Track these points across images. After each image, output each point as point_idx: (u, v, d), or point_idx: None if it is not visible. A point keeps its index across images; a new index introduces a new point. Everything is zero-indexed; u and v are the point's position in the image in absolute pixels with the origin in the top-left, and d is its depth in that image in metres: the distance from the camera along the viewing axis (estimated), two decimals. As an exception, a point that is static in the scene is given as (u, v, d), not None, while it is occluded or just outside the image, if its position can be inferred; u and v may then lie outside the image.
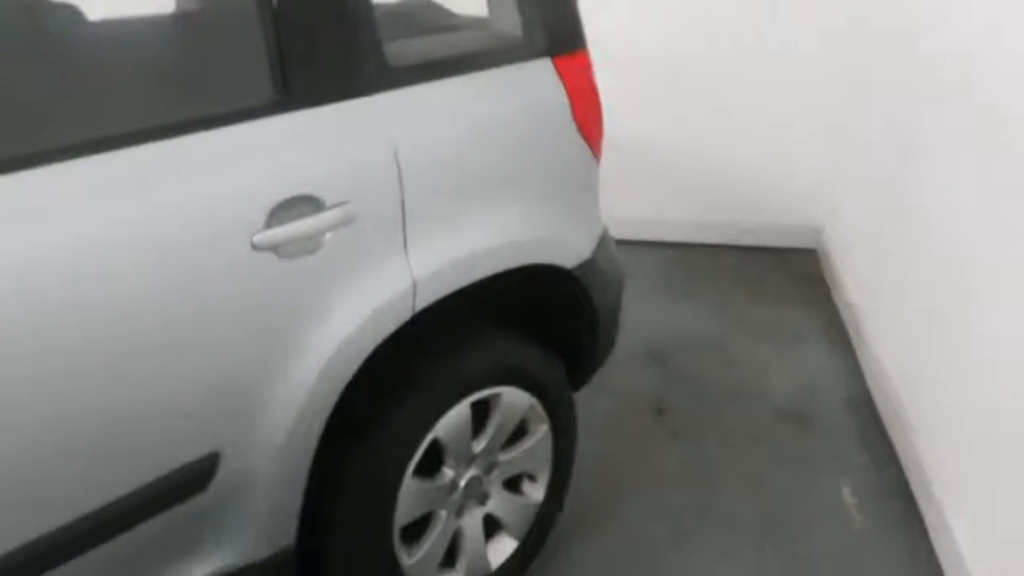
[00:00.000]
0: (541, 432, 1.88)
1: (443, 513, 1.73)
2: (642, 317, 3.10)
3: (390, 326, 1.46)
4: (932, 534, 2.13)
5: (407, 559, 1.67)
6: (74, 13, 1.41)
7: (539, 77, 1.74)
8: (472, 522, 1.80)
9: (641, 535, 2.14)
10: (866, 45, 3.21)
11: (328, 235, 1.35)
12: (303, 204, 1.31)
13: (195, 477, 1.29)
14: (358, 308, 1.41)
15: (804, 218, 3.89)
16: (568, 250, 1.80)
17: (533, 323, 1.86)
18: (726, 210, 3.91)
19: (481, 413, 1.72)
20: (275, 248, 1.29)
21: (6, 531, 1.11)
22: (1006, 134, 1.87)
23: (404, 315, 1.48)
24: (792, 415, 2.68)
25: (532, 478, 1.93)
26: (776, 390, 2.81)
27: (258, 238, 1.26)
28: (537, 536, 1.96)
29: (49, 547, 1.14)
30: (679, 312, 3.29)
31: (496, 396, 1.73)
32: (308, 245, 1.32)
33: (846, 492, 2.34)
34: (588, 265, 1.86)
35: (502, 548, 1.90)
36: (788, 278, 3.65)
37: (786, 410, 2.71)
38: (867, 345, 2.88)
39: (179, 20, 1.65)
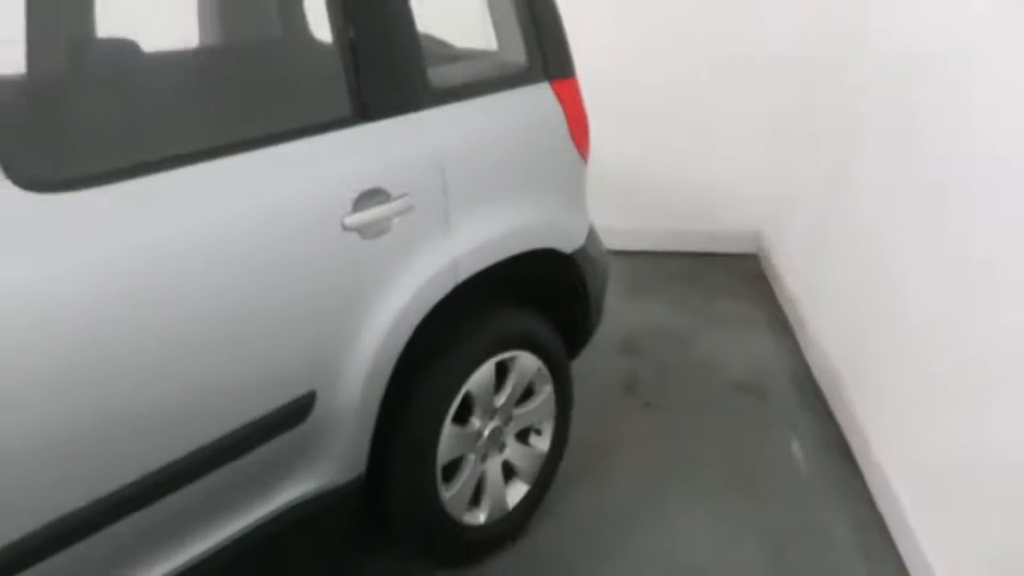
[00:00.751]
0: (546, 392, 2.26)
1: (472, 457, 2.09)
2: (614, 313, 3.49)
3: (439, 294, 1.83)
4: (865, 471, 2.56)
5: (446, 493, 2.02)
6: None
7: (541, 98, 2.14)
8: (493, 467, 2.17)
9: (623, 487, 2.53)
10: (809, 72, 3.68)
11: (395, 220, 1.72)
12: (377, 195, 1.68)
13: (298, 410, 1.64)
14: (417, 279, 1.78)
15: (746, 226, 4.36)
16: (567, 237, 2.20)
17: (539, 301, 2.24)
18: (679, 220, 4.35)
19: (500, 375, 2.09)
20: (359, 230, 1.65)
21: (185, 442, 1.44)
22: (923, 147, 2.34)
23: (448, 286, 1.85)
24: (746, 387, 3.11)
25: (538, 432, 2.31)
26: (731, 369, 3.24)
27: (348, 220, 1.63)
28: (543, 482, 2.33)
29: (208, 455, 1.47)
30: (644, 309, 3.70)
31: (513, 358, 2.11)
32: (381, 228, 1.69)
33: (795, 446, 2.76)
34: (582, 251, 2.26)
35: (516, 491, 2.26)
36: (736, 278, 4.11)
37: (740, 384, 3.13)
38: (806, 329, 3.34)
39: (284, 49, 2.01)
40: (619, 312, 3.57)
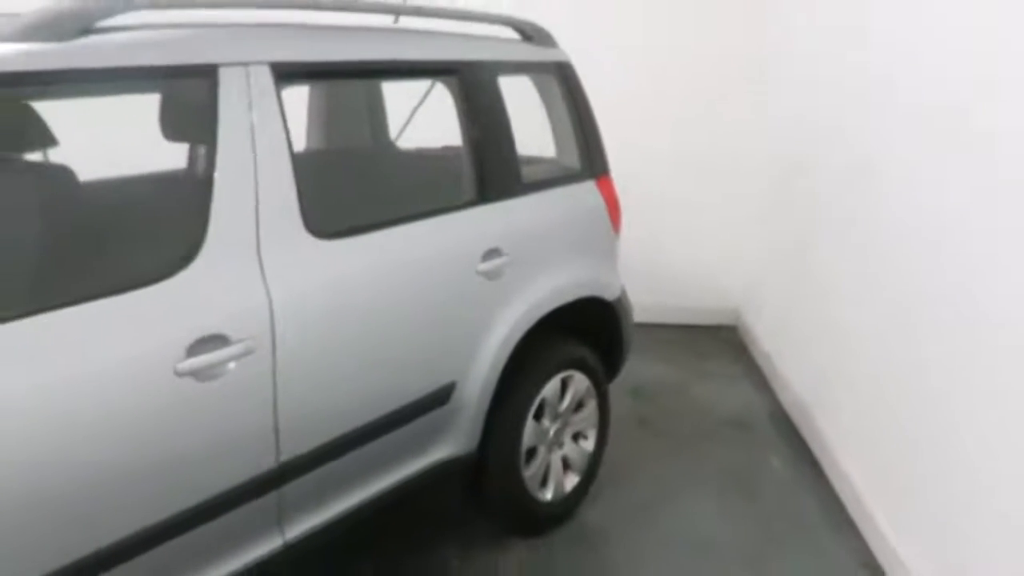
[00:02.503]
0: (592, 405, 3.04)
1: (543, 448, 2.85)
2: (622, 371, 4.30)
3: (529, 324, 2.63)
4: (830, 476, 3.34)
5: (526, 472, 2.77)
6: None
7: (588, 190, 3.01)
8: (556, 458, 2.92)
9: (645, 485, 3.27)
10: (779, 171, 4.63)
11: (507, 270, 2.54)
12: (496, 253, 2.51)
13: (443, 394, 2.41)
14: (516, 312, 2.58)
15: (725, 302, 5.23)
16: (608, 290, 3.03)
17: (588, 336, 3.04)
18: (668, 297, 5.20)
19: (562, 389, 2.87)
20: (486, 274, 2.47)
21: (383, 406, 2.20)
22: (869, 233, 3.22)
23: (534, 319, 2.65)
24: (732, 422, 3.90)
25: (585, 437, 3.07)
26: (720, 410, 4.03)
27: (479, 267, 2.45)
28: (589, 475, 3.08)
29: (393, 419, 2.23)
30: (646, 367, 4.49)
31: (571, 376, 2.90)
32: (499, 274, 2.51)
33: (774, 461, 3.54)
34: (618, 301, 3.08)
35: (571, 479, 3.01)
36: (718, 344, 4.95)
37: (728, 420, 3.92)
38: (779, 378, 4.16)
39: (434, 156, 2.86)
40: (626, 368, 4.35)
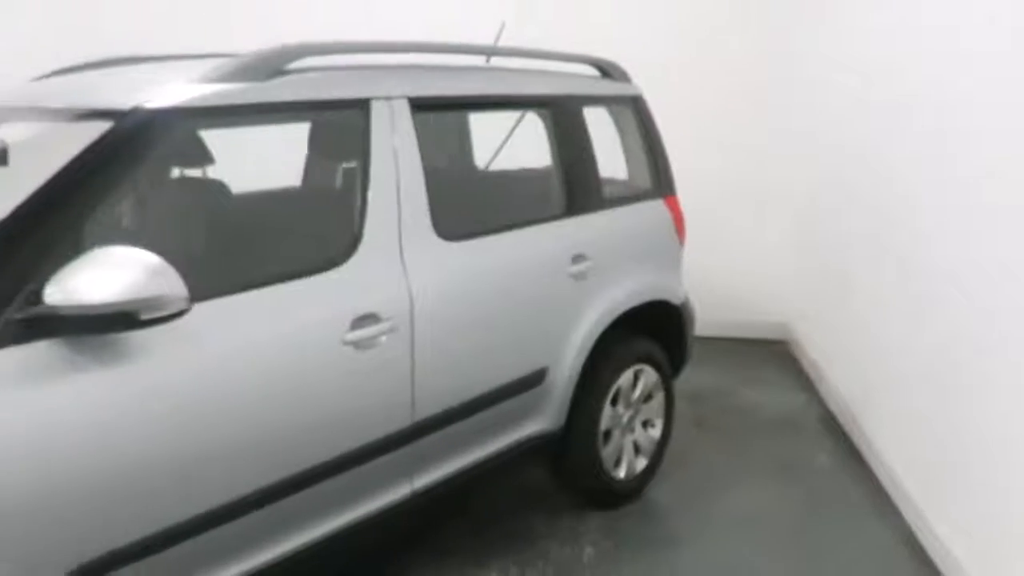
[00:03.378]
0: (659, 398, 3.44)
1: (617, 432, 3.25)
2: (680, 378, 4.68)
3: (609, 320, 3.05)
4: (873, 466, 3.68)
5: (603, 451, 3.17)
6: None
7: (658, 207, 3.43)
8: (628, 441, 3.32)
9: (704, 472, 3.64)
10: (822, 199, 5.01)
11: (590, 273, 2.96)
12: (582, 258, 2.93)
13: (538, 376, 2.83)
14: (599, 310, 3.00)
15: (775, 317, 5.59)
16: (674, 294, 3.43)
17: (657, 336, 3.44)
18: (720, 312, 5.57)
19: (634, 380, 3.28)
20: (574, 276, 2.90)
21: (490, 382, 2.63)
22: (910, 253, 3.59)
23: (614, 316, 3.07)
24: (782, 422, 4.25)
25: (653, 425, 3.46)
26: (770, 412, 4.39)
27: (570, 270, 2.88)
28: (656, 459, 3.47)
29: (497, 395, 2.66)
30: (700, 375, 4.83)
31: (642, 370, 3.30)
32: (584, 276, 2.94)
33: (822, 457, 3.88)
34: (683, 305, 3.49)
35: (640, 462, 3.40)
36: (767, 355, 5.30)
37: (778, 420, 4.28)
38: (827, 384, 4.51)
39: (523, 176, 3.30)
40: (682, 376, 4.74)
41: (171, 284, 1.70)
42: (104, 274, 1.65)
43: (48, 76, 2.78)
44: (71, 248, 1.72)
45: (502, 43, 3.18)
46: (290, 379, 2.08)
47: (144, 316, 1.67)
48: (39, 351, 1.68)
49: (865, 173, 4.05)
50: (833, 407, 4.36)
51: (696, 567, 2.95)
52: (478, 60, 3.18)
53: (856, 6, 4.27)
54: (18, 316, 1.65)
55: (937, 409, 3.07)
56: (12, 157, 2.09)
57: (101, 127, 1.92)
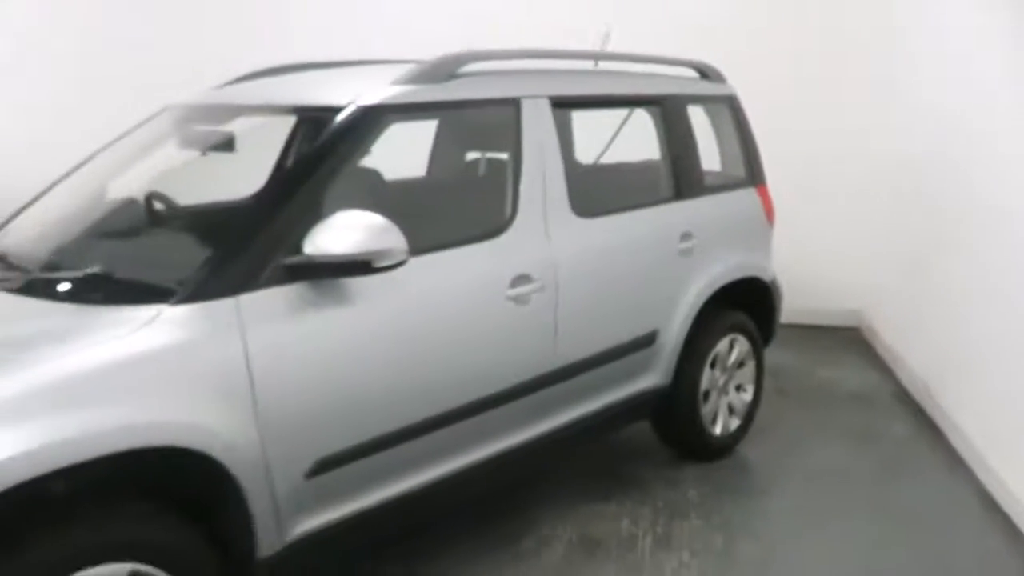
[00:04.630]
0: (750, 365, 3.84)
1: (714, 393, 3.67)
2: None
3: (709, 293, 3.47)
4: (949, 435, 4.02)
5: (703, 409, 3.60)
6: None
7: (751, 195, 3.84)
8: (723, 402, 3.73)
9: (785, 435, 4.02)
10: (908, 179, 5.31)
11: (695, 250, 3.39)
12: (688, 236, 3.37)
13: (650, 338, 3.27)
14: (701, 283, 3.43)
15: (848, 304, 5.91)
16: (765, 272, 3.84)
17: (749, 309, 3.84)
18: (795, 299, 5.90)
19: (729, 348, 3.69)
20: (682, 252, 3.33)
21: (610, 340, 3.08)
22: (987, 238, 3.93)
23: (714, 289, 3.49)
24: (858, 396, 4.61)
25: (745, 390, 3.87)
26: (846, 387, 4.74)
27: (678, 246, 3.31)
28: (746, 421, 3.88)
29: (616, 351, 3.10)
30: (776, 355, 5.16)
31: (736, 338, 3.72)
32: (689, 252, 3.37)
33: (897, 426, 4.24)
34: (772, 282, 3.89)
35: (734, 421, 3.81)
36: (841, 340, 5.63)
37: (854, 394, 4.63)
38: (901, 363, 4.84)
39: (643, 165, 3.72)
40: (764, 353, 5.13)
41: (396, 239, 2.19)
42: (346, 231, 2.15)
43: (234, 82, 3.32)
44: (319, 211, 2.23)
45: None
46: (468, 323, 2.56)
47: (376, 264, 2.17)
48: (297, 291, 2.18)
49: (942, 158, 4.38)
50: (908, 385, 4.69)
51: (786, 511, 3.36)
52: (586, 64, 3.62)
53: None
54: (285, 263, 2.16)
55: (1010, 380, 3.39)
56: (247, 145, 2.62)
57: (325, 120, 2.43)
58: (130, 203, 2.97)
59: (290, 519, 2.22)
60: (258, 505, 2.11)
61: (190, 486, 2.08)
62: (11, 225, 2.91)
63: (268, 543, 2.17)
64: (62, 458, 1.78)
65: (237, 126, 2.76)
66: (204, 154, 2.86)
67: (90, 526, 1.88)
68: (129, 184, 3.04)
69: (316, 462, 2.24)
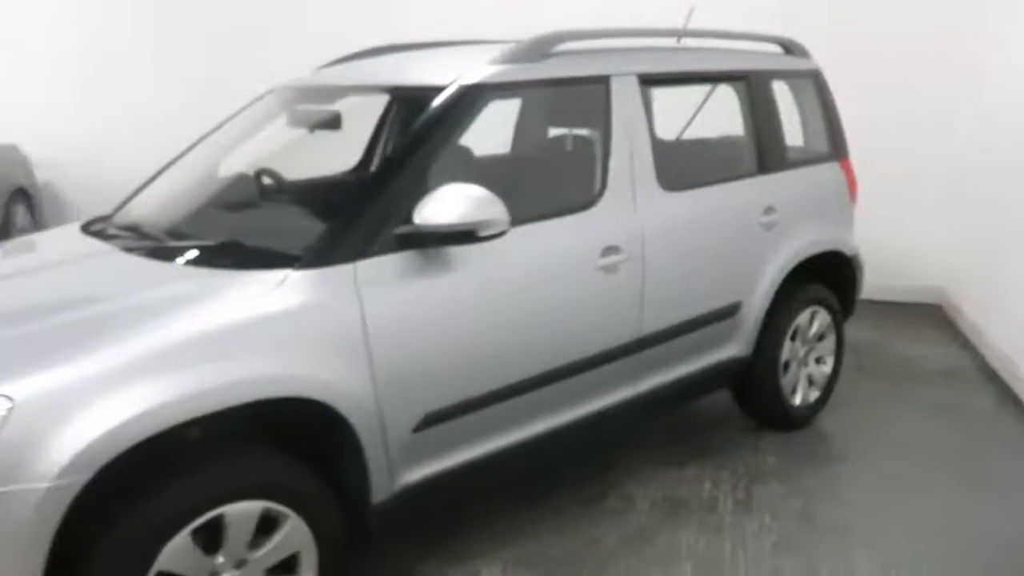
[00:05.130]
0: (831, 338, 3.89)
1: (794, 364, 3.73)
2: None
3: (791, 266, 3.53)
4: (1032, 412, 4.01)
5: (783, 380, 3.67)
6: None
7: (833, 169, 3.87)
8: (803, 374, 3.79)
9: (866, 409, 4.06)
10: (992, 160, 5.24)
11: (778, 223, 3.46)
12: (771, 210, 3.43)
13: (733, 309, 3.36)
14: (782, 256, 3.49)
15: (929, 281, 5.85)
16: (847, 246, 3.87)
17: (830, 283, 3.89)
18: (875, 276, 5.87)
19: (809, 321, 3.75)
20: (764, 226, 3.40)
21: (698, 309, 3.19)
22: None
23: (795, 263, 3.55)
24: (940, 372, 4.59)
25: (824, 362, 3.92)
26: (928, 363, 4.73)
27: (761, 220, 3.39)
28: (825, 393, 3.93)
29: (701, 320, 3.21)
30: (855, 330, 5.19)
31: (817, 311, 3.77)
32: (772, 226, 3.43)
33: (980, 401, 4.23)
34: (854, 256, 3.92)
35: (813, 393, 3.87)
36: (922, 317, 5.58)
37: (936, 370, 4.62)
38: (986, 342, 4.80)
39: (727, 140, 3.80)
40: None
41: (499, 210, 2.34)
42: (453, 203, 2.30)
43: (333, 64, 3.51)
44: (426, 184, 2.39)
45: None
46: (560, 291, 2.71)
47: (481, 233, 2.32)
48: (406, 258, 2.35)
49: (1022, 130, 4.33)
50: (993, 361, 4.66)
51: (867, 480, 3.42)
52: (670, 41, 3.69)
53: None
54: (396, 232, 2.33)
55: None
56: (356, 122, 2.80)
57: (429, 98, 2.59)
58: (243, 178, 3.19)
59: (399, 469, 2.40)
60: (373, 455, 2.30)
61: (313, 436, 2.28)
62: (134, 200, 3.17)
63: (380, 490, 2.36)
64: (205, 406, 1.99)
65: (342, 105, 2.94)
66: (312, 132, 3.05)
67: (228, 469, 2.09)
68: (242, 160, 3.27)
69: (423, 417, 2.42)
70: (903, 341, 5.11)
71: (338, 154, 3.72)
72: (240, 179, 3.19)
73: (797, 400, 3.77)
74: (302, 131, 3.24)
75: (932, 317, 5.60)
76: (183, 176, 3.21)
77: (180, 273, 2.33)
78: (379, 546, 2.77)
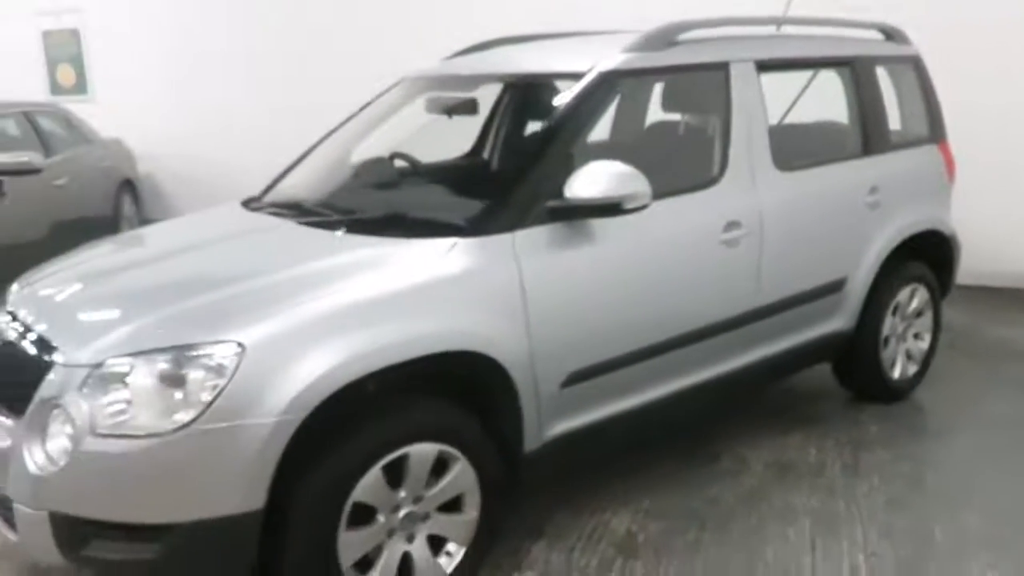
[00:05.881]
0: (928, 315, 4.02)
1: (893, 339, 3.87)
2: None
3: (894, 244, 3.68)
4: None
5: (882, 353, 3.81)
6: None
7: (932, 152, 4.00)
8: (902, 348, 3.92)
9: (956, 388, 4.15)
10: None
11: (882, 203, 3.61)
12: (875, 191, 3.58)
13: (839, 284, 3.52)
14: (886, 235, 3.64)
15: (1018, 265, 5.88)
16: (946, 226, 4.00)
17: (929, 261, 4.01)
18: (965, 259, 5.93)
19: (909, 297, 3.89)
20: (870, 205, 3.56)
21: (807, 283, 3.36)
22: None
23: (898, 241, 3.69)
24: (1032, 353, 4.68)
25: (922, 338, 4.05)
26: (1018, 345, 4.80)
27: (866, 199, 3.54)
28: (923, 368, 4.07)
29: (808, 295, 3.38)
30: (949, 313, 5.28)
31: (916, 288, 3.91)
32: (877, 205, 3.59)
33: (1073, 379, 4.31)
34: (952, 236, 4.04)
35: (911, 367, 4.00)
36: (1014, 302, 5.64)
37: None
38: (1076, 321, 4.86)
39: (834, 124, 3.94)
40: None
41: (642, 185, 2.55)
42: (600, 178, 2.52)
43: (458, 55, 3.75)
44: (572, 161, 2.62)
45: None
46: (689, 261, 2.92)
47: (626, 206, 2.54)
48: (556, 229, 2.58)
49: None
50: (1084, 341, 4.73)
51: (968, 449, 3.56)
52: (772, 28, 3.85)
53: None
54: (548, 205, 2.56)
55: None
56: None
57: (569, 84, 2.82)
58: (380, 161, 3.46)
59: (547, 422, 2.64)
60: (527, 407, 2.54)
61: (477, 388, 2.52)
62: (282, 183, 3.45)
63: (531, 440, 2.60)
64: (394, 356, 2.25)
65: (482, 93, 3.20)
66: (450, 117, 3.30)
67: (412, 415, 2.35)
68: (377, 144, 3.54)
69: (568, 375, 2.65)
70: (993, 323, 5.19)
71: (456, 139, 3.99)
72: (377, 161, 3.46)
73: (896, 374, 3.92)
74: (430, 117, 3.51)
75: (1021, 301, 5.65)
76: (324, 159, 3.50)
77: (357, 241, 2.59)
78: (513, 498, 3.01)
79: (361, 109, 3.67)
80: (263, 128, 7.63)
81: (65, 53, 8.26)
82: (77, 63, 8.27)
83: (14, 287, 2.77)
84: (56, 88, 8.34)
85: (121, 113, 8.08)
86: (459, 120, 3.68)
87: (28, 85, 8.28)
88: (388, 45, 6.97)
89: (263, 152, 7.41)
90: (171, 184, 8.49)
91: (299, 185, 3.34)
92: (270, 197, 3.30)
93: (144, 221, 7.63)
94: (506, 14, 6.29)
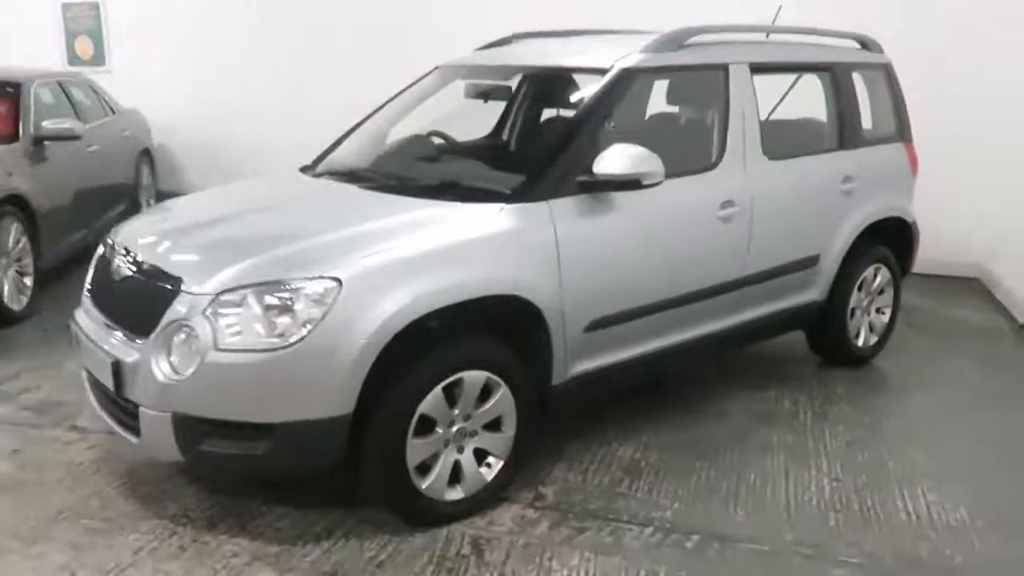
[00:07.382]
0: (889, 292, 4.60)
1: (859, 312, 4.43)
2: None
3: (864, 226, 4.24)
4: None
5: (849, 323, 4.38)
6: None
7: (899, 149, 4.56)
8: (865, 321, 4.49)
9: (913, 357, 4.74)
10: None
11: (854, 191, 4.16)
12: (850, 179, 4.14)
13: (813, 260, 4.08)
14: (855, 220, 4.20)
15: (967, 257, 6.48)
16: (909, 215, 4.57)
17: (891, 245, 4.58)
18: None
19: (873, 275, 4.45)
20: (844, 192, 4.12)
21: (784, 256, 3.91)
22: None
23: (865, 225, 4.25)
24: (982, 331, 5.27)
25: (883, 313, 4.63)
26: (970, 324, 5.40)
27: (841, 187, 4.10)
28: (883, 338, 4.64)
29: (788, 267, 3.93)
30: (907, 296, 5.86)
31: (880, 268, 4.47)
32: (849, 193, 4.14)
33: (1020, 354, 4.91)
34: (913, 223, 4.62)
35: (872, 338, 4.57)
36: (962, 288, 6.24)
37: (978, 330, 5.29)
38: (1021, 306, 5.48)
39: (814, 121, 4.47)
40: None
41: (657, 165, 3.07)
42: (623, 157, 3.03)
43: (486, 48, 4.24)
44: (599, 143, 3.13)
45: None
46: (690, 232, 3.45)
47: (644, 182, 3.05)
48: (584, 199, 3.10)
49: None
50: (1026, 323, 5.34)
51: (924, 404, 4.14)
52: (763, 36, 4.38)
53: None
54: (579, 179, 3.07)
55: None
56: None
57: (594, 78, 3.33)
58: (419, 137, 3.95)
59: (572, 360, 3.16)
60: (557, 346, 3.06)
61: (517, 328, 3.03)
62: (331, 155, 3.92)
63: (558, 375, 3.12)
64: (455, 296, 2.76)
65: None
66: (486, 102, 3.80)
67: (468, 346, 2.86)
68: (416, 123, 4.03)
69: (591, 321, 3.17)
70: (946, 306, 5.79)
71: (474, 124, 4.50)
72: (418, 137, 3.95)
73: (860, 342, 4.49)
74: (461, 102, 4.01)
75: (971, 289, 6.26)
76: (369, 135, 3.98)
77: (417, 203, 3.08)
78: (542, 423, 3.53)
79: (400, 93, 4.15)
80: (279, 104, 8.03)
81: (84, 26, 8.58)
82: (96, 36, 8.59)
83: (118, 235, 3.22)
84: (74, 59, 8.66)
85: (138, 85, 8.40)
86: (478, 105, 4.18)
87: (45, 56, 8.58)
88: (413, 22, 7.40)
89: (280, 128, 7.90)
90: (183, 156, 8.84)
91: (350, 156, 3.82)
92: (324, 166, 3.78)
93: (159, 191, 8.02)
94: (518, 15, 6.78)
